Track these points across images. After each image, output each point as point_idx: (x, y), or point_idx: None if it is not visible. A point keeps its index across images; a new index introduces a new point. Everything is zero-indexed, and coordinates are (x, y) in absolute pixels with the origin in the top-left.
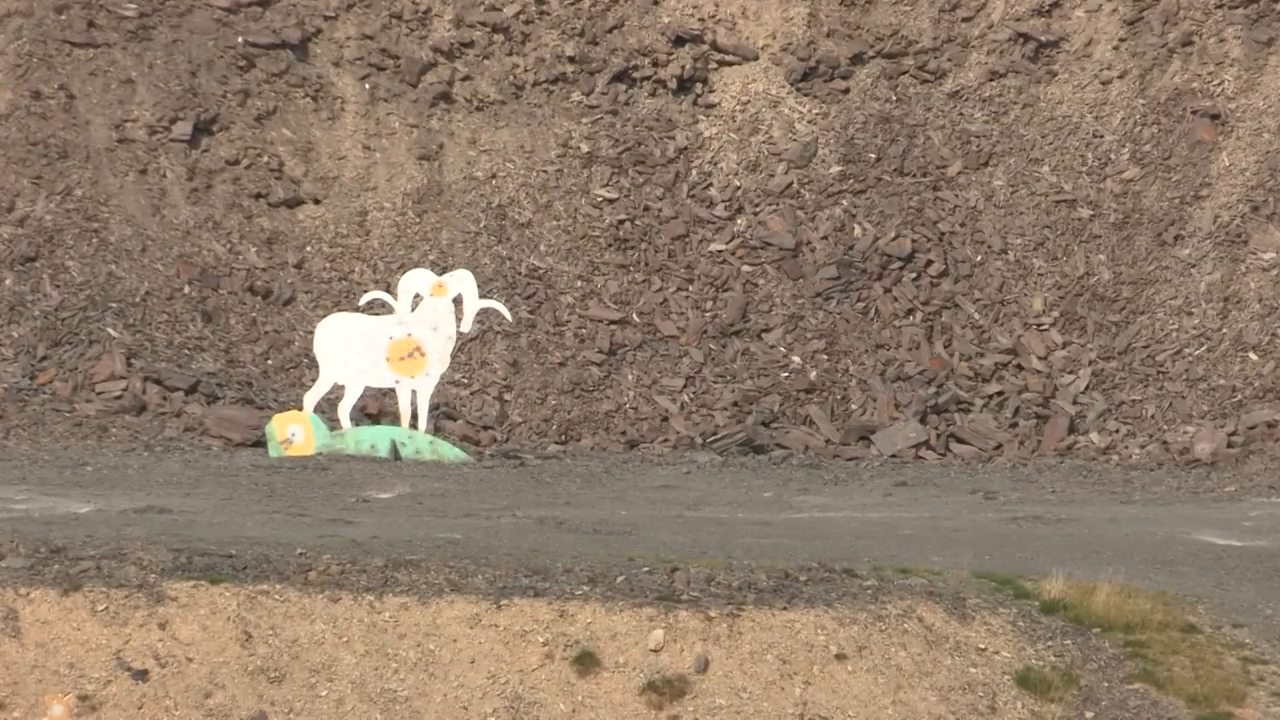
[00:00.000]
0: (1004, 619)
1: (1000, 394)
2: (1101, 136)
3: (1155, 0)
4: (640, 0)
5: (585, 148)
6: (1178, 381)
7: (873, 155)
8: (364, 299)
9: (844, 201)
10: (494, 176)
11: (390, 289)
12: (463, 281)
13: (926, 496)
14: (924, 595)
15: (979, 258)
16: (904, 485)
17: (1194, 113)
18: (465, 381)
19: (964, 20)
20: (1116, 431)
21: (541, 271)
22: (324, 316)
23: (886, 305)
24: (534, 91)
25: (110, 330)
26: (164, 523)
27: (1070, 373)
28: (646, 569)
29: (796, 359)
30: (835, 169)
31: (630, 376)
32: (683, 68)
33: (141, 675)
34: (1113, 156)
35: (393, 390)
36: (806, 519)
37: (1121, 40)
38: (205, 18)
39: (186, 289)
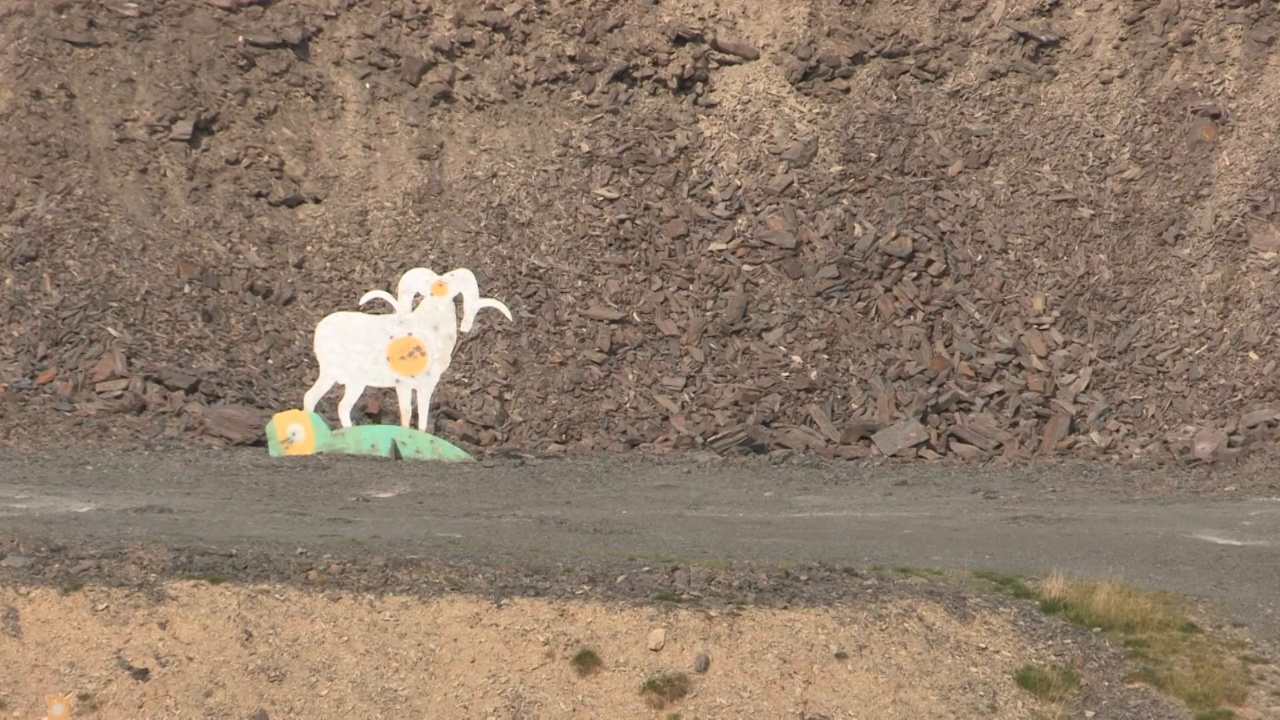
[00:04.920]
0: (1004, 618)
1: (1001, 393)
2: (1102, 136)
3: (1155, 0)
4: (641, 0)
5: (586, 147)
6: (1178, 381)
7: (873, 155)
8: (364, 298)
9: (844, 201)
10: (494, 176)
11: (390, 288)
12: (463, 281)
13: (927, 496)
14: (924, 594)
15: (979, 257)
16: (904, 485)
17: (1194, 112)
18: (466, 381)
19: (964, 20)
20: (1117, 431)
21: (542, 271)
22: (324, 316)
23: (887, 305)
24: (534, 91)
25: (110, 330)
26: (164, 522)
27: (1071, 372)
28: (647, 568)
29: (797, 358)
30: (836, 168)
31: (630, 376)
32: (683, 67)
33: (142, 674)
34: (1113, 156)
35: (393, 389)
36: (807, 518)
37: (1122, 40)
38: (205, 17)
39: (187, 288)
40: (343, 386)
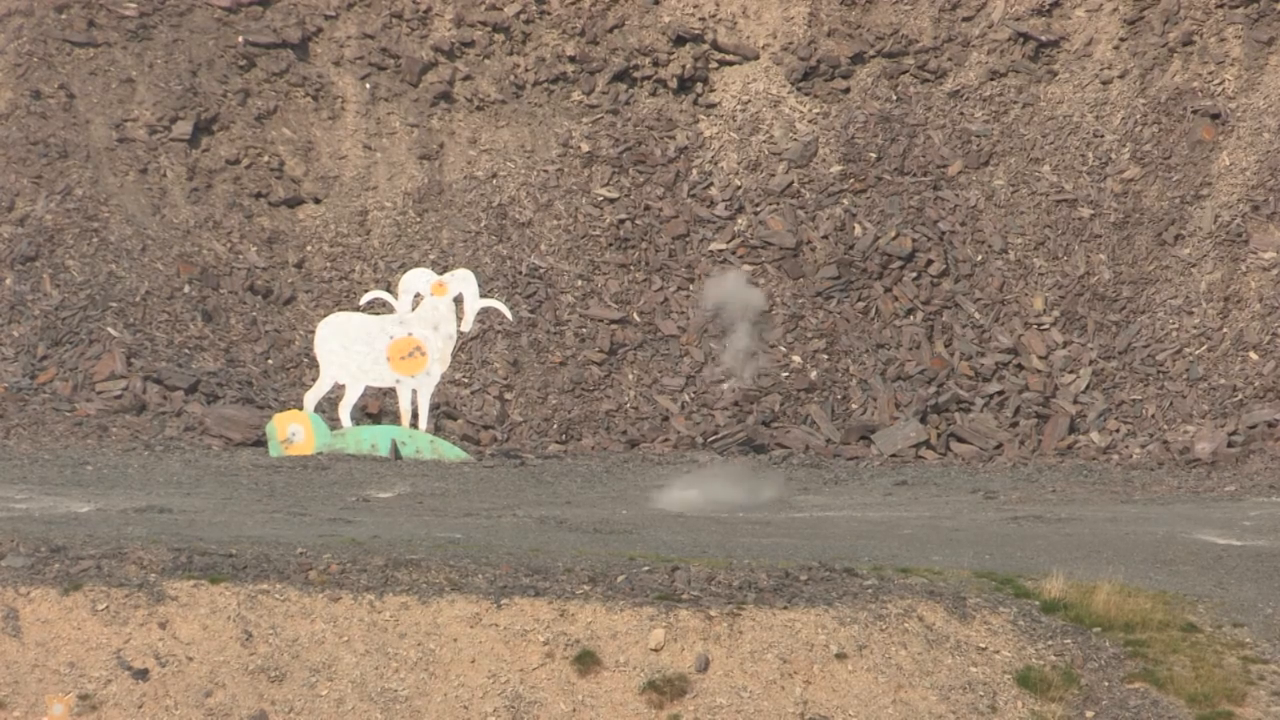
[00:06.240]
0: (1004, 618)
1: (1001, 393)
2: (1102, 136)
3: (1155, 0)
4: (641, 0)
5: (586, 147)
6: (1178, 381)
7: (873, 155)
8: (364, 298)
9: (844, 201)
10: (494, 176)
11: (391, 288)
12: (463, 281)
13: (927, 496)
14: (924, 594)
15: (979, 257)
16: (904, 484)
17: (1194, 112)
18: (466, 381)
19: (964, 20)
20: (1117, 431)
21: (542, 271)
22: (324, 316)
23: (887, 305)
24: (534, 91)
25: (110, 330)
26: (164, 522)
27: (1070, 372)
28: (647, 568)
29: (797, 358)
30: (836, 168)
31: (630, 376)
32: (683, 67)
33: (142, 674)
34: (1113, 156)
35: (393, 389)
36: (807, 518)
37: (1122, 40)
38: (205, 17)
39: (187, 288)
40: (343, 386)
